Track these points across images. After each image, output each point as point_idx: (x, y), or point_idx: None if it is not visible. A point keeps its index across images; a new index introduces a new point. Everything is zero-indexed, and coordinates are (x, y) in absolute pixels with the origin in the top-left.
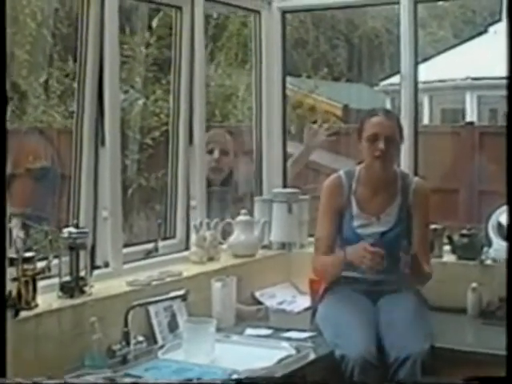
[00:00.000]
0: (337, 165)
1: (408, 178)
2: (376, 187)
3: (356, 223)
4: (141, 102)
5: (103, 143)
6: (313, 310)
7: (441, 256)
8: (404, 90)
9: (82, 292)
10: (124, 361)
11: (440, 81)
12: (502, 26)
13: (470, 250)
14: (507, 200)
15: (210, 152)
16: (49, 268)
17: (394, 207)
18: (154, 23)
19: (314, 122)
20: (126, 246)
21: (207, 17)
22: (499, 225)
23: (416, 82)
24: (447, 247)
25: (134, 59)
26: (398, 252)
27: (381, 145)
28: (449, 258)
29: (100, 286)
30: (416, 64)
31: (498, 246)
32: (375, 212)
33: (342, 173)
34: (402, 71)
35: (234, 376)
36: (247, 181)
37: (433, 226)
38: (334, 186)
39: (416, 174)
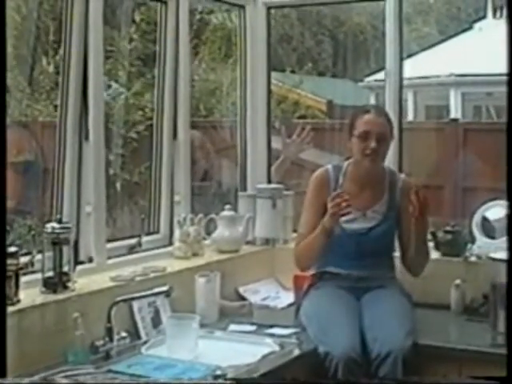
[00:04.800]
0: (321, 160)
1: (395, 175)
2: (363, 183)
3: (342, 218)
4: (124, 96)
5: (87, 138)
6: (297, 306)
7: None
8: (388, 86)
9: (65, 287)
10: (107, 356)
11: (424, 77)
12: (486, 23)
13: (454, 246)
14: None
15: None
16: (32, 263)
17: (382, 204)
18: (138, 17)
19: (300, 118)
20: (109, 241)
21: (191, 11)
22: (483, 222)
23: (401, 79)
24: (431, 244)
25: (118, 53)
26: (383, 248)
27: (373, 143)
28: (433, 254)
29: (83, 282)
30: (401, 60)
31: (482, 242)
32: (361, 208)
33: (329, 166)
34: (387, 67)
35: (218, 372)
36: (230, 176)
37: None
38: (320, 179)
39: (401, 170)
